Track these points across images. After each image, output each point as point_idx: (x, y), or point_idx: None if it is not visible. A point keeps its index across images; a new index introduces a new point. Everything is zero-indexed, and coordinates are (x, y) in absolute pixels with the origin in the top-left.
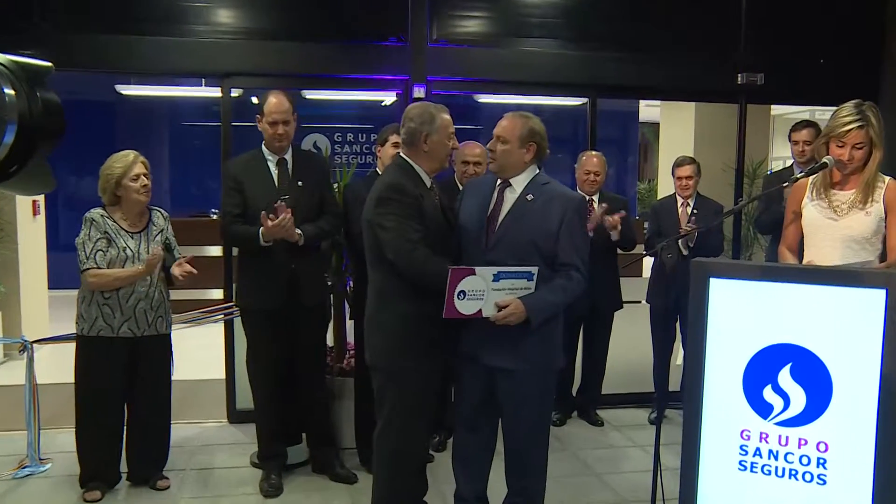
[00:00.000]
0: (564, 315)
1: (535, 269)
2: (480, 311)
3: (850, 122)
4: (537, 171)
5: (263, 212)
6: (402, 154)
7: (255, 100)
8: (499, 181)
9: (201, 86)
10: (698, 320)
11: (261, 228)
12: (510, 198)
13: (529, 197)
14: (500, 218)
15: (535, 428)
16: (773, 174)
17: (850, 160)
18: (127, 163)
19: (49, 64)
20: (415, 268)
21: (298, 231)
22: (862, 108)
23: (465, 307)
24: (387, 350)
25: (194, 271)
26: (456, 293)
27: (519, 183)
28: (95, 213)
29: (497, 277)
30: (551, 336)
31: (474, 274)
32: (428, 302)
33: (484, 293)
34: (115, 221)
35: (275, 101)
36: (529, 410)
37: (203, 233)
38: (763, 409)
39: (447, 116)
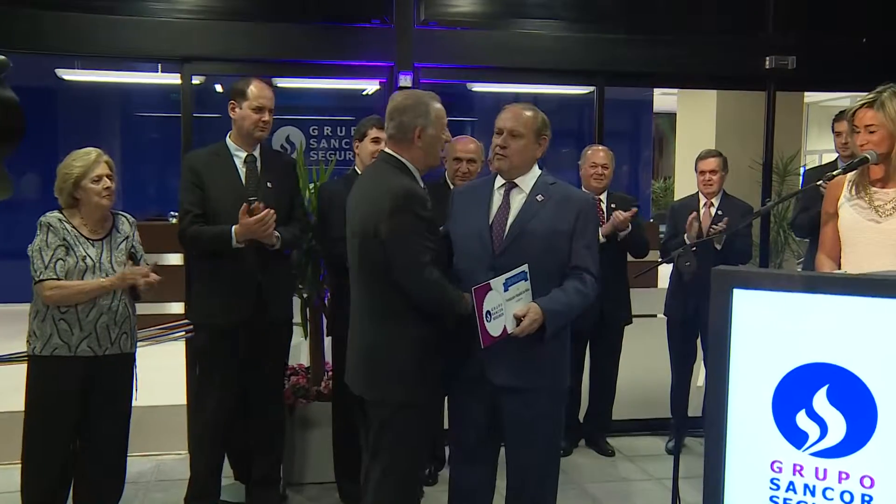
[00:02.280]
0: (569, 332)
1: (525, 267)
2: (505, 328)
3: (859, 102)
4: (540, 170)
5: (245, 204)
6: (390, 151)
7: (219, 88)
8: (500, 183)
9: (157, 72)
10: (721, 336)
11: (234, 227)
12: (518, 199)
13: (539, 198)
14: (510, 221)
15: (545, 456)
16: (815, 169)
17: (864, 145)
18: (88, 162)
19: (4, 58)
20: (429, 293)
21: (276, 233)
22: (881, 90)
23: (494, 329)
24: (404, 382)
25: (156, 278)
26: (484, 315)
27: (526, 183)
28: (52, 217)
29: (506, 285)
30: (563, 349)
31: (490, 289)
32: (441, 323)
33: (502, 308)
34: (73, 227)
35: (261, 85)
36: (540, 435)
37: (161, 238)
38: (796, 438)
39: (441, 106)
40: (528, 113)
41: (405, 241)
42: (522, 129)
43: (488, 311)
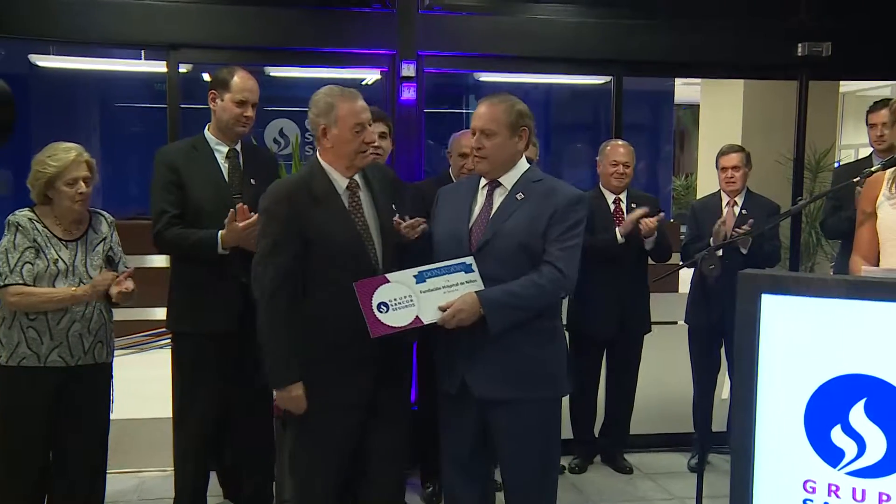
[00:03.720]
0: (586, 340)
1: (469, 259)
2: (418, 318)
3: None
4: (528, 165)
5: (233, 210)
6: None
7: (206, 76)
8: (484, 182)
9: (141, 59)
10: (748, 345)
11: (220, 232)
12: (500, 199)
13: (519, 196)
14: (487, 222)
15: (540, 471)
16: (846, 166)
17: None
18: (65, 162)
19: None
20: (264, 323)
21: None
22: None
23: (395, 319)
24: None
25: (130, 286)
26: (375, 307)
27: (509, 180)
28: (22, 215)
29: (421, 277)
30: (554, 354)
31: (388, 282)
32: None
33: (412, 299)
34: (45, 227)
35: (245, 76)
36: (533, 449)
37: (144, 239)
38: (831, 456)
39: (353, 104)
40: (500, 106)
41: (261, 250)
42: (494, 127)
43: (383, 303)
